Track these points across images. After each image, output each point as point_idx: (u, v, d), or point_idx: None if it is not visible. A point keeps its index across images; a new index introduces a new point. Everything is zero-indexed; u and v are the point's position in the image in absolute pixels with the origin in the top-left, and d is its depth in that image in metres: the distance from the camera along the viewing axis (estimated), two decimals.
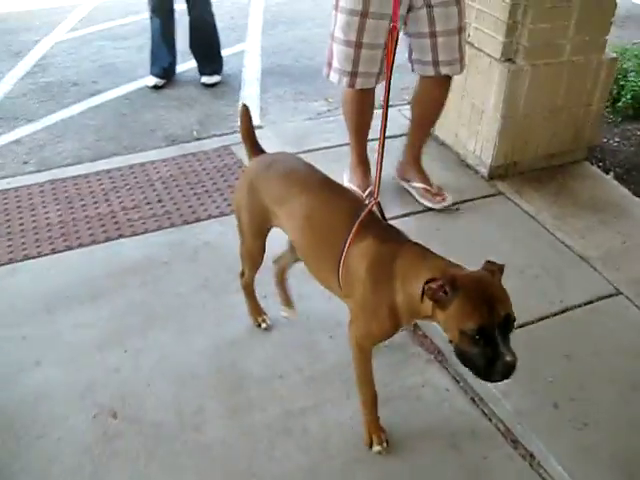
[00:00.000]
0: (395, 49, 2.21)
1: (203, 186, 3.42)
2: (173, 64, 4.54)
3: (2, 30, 5.40)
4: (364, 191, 3.06)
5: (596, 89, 3.28)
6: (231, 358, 2.38)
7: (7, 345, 2.41)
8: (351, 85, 2.83)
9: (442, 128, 3.44)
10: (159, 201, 3.31)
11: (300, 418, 2.14)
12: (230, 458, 2.02)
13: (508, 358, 1.57)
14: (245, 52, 5.15)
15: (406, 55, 2.91)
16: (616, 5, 3.12)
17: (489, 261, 1.65)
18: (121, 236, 3.07)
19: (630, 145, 3.81)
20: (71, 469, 1.99)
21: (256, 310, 2.47)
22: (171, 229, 3.09)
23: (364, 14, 2.64)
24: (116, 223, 3.15)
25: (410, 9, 2.70)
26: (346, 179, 3.16)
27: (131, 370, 2.32)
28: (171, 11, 4.31)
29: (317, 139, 3.64)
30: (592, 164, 3.55)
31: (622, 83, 4.09)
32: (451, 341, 1.63)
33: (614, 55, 3.27)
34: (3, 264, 2.84)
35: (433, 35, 2.75)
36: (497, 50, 3.02)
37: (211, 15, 4.37)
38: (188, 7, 4.34)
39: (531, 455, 2.06)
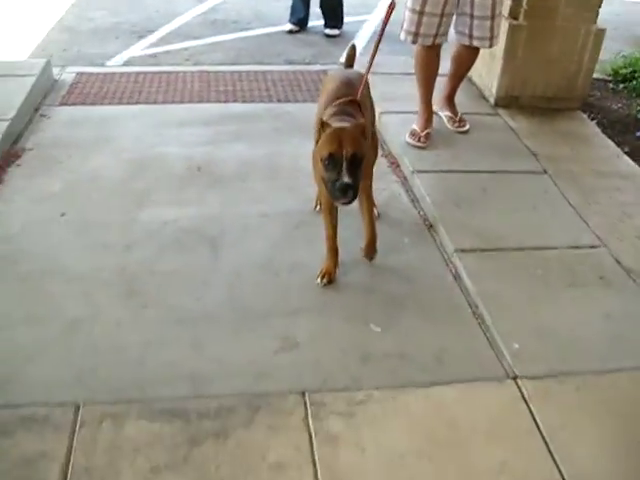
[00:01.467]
0: (390, 15, 3.03)
1: (299, 86, 4.95)
2: (306, 17, 6.14)
3: None
4: (423, 131, 3.93)
5: (585, 52, 4.43)
6: (275, 159, 3.87)
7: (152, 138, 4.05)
8: (414, 42, 3.76)
9: (472, 69, 4.74)
10: (266, 89, 4.87)
11: None
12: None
13: (345, 180, 2.27)
14: (366, 21, 6.66)
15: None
16: None
17: (359, 122, 2.48)
18: (235, 101, 4.66)
19: (628, 110, 4.89)
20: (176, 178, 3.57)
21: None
22: (269, 103, 4.63)
23: None
24: (235, 95, 4.75)
25: None
26: (413, 125, 4.00)
27: (212, 156, 3.87)
28: None
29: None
30: (585, 113, 4.69)
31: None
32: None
33: (602, 27, 4.43)
34: (161, 103, 4.52)
35: (472, 17, 3.70)
36: (506, 10, 4.30)
37: None
38: None
39: (431, 226, 3.38)
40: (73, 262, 2.91)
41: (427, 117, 4.04)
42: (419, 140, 3.95)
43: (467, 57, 4.05)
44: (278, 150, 3.95)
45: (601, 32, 4.40)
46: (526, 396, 2.39)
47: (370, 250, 2.95)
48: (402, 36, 3.79)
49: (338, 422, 2.23)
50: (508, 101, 4.52)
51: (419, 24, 3.68)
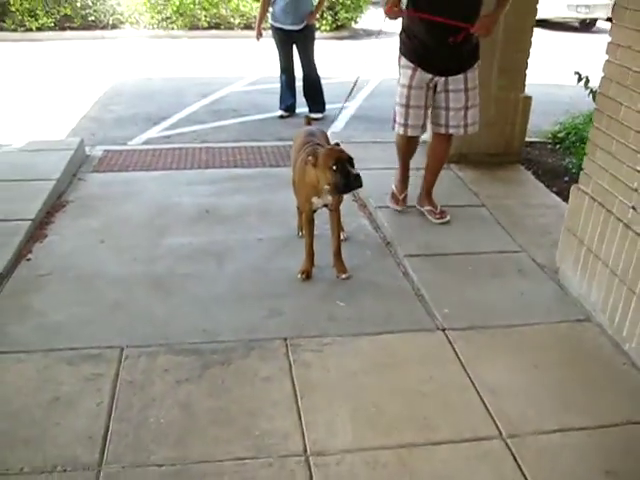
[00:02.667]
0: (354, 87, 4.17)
1: (287, 156, 5.95)
2: (294, 104, 7.31)
3: (201, 83, 8.58)
4: (400, 195, 4.59)
5: (517, 116, 5.52)
6: (267, 205, 4.86)
7: (169, 192, 5.08)
8: (404, 133, 4.22)
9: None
10: (261, 159, 5.92)
11: None
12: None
13: (354, 172, 3.34)
14: (346, 107, 7.85)
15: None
16: (527, 65, 5.42)
17: (337, 143, 3.66)
18: (236, 167, 5.71)
19: (560, 162, 5.92)
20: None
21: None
22: (263, 168, 5.66)
23: (410, 86, 4.11)
24: (235, 163, 5.80)
25: (435, 92, 4.14)
26: (393, 187, 4.66)
27: (217, 203, 4.88)
28: (292, 70, 7.15)
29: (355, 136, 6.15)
30: (523, 165, 5.72)
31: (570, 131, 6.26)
32: (328, 188, 3.44)
33: (528, 95, 5.52)
34: (175, 169, 5.57)
35: (447, 109, 4.18)
36: None
37: (317, 74, 7.12)
38: (302, 68, 7.12)
39: (388, 243, 4.32)
40: (112, 270, 3.83)
41: (403, 185, 4.65)
42: (397, 203, 4.62)
43: (440, 147, 4.41)
44: (269, 199, 4.93)
45: (528, 99, 5.49)
46: (451, 340, 3.26)
47: (336, 257, 3.79)
48: (395, 128, 4.26)
49: (310, 355, 3.09)
50: (457, 157, 5.54)
51: (407, 116, 4.15)
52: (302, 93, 7.30)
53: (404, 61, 4.11)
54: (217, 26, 13.24)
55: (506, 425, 2.72)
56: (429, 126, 4.36)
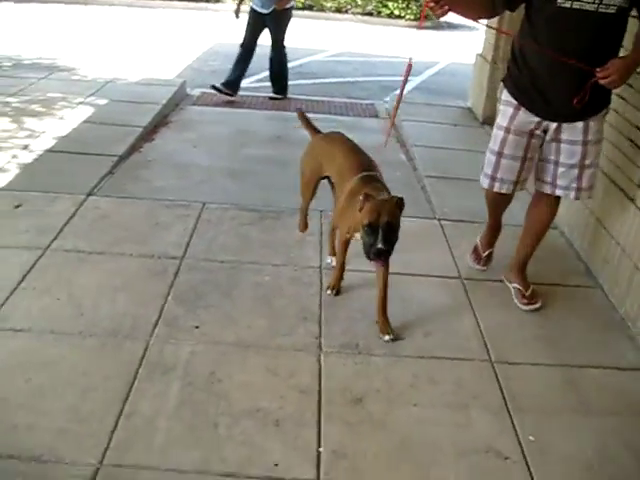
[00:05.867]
0: (408, 74, 3.01)
1: (351, 109, 7.20)
2: (232, 81, 7.03)
3: (288, 51, 9.81)
4: (483, 251, 3.81)
5: None
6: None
7: (250, 122, 6.36)
8: (490, 187, 3.32)
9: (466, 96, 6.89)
10: (329, 109, 7.15)
11: None
12: None
13: (379, 246, 2.68)
14: (409, 81, 8.98)
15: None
16: None
17: (397, 197, 2.86)
18: (307, 112, 6.91)
19: None
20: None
21: (302, 223, 3.95)
22: (328, 115, 6.85)
23: (507, 129, 3.15)
24: (307, 109, 6.99)
25: (544, 140, 3.15)
26: (477, 240, 3.85)
27: (286, 134, 6.13)
28: (249, 50, 7.09)
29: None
30: None
31: None
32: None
33: None
34: (255, 109, 6.85)
35: (556, 164, 3.18)
36: (489, 56, 6.47)
37: (282, 59, 7.24)
38: (271, 50, 7.24)
39: (415, 169, 5.47)
40: (201, 162, 5.12)
41: (490, 237, 3.85)
42: (479, 261, 3.84)
43: (543, 210, 3.47)
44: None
45: None
46: (442, 225, 4.37)
47: (380, 316, 3.18)
48: (481, 180, 3.42)
49: None
50: (492, 120, 6.60)
51: (497, 167, 3.28)
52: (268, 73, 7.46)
53: (505, 95, 3.21)
54: (310, 7, 14.59)
55: (465, 273, 3.82)
56: (535, 182, 3.40)
